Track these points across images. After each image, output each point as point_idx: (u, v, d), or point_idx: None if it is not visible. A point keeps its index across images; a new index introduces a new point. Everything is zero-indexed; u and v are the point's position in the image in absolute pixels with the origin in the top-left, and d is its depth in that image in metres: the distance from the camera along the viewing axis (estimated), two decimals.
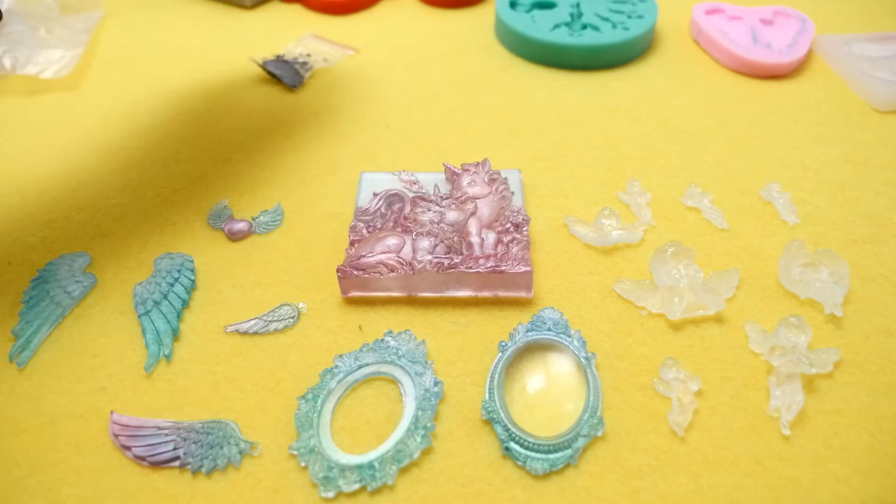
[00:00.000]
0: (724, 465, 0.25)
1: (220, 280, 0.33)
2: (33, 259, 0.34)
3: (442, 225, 0.32)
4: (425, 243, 0.31)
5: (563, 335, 0.29)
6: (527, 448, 0.26)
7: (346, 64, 0.49)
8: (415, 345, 0.29)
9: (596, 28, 0.48)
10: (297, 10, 0.56)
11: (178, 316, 0.31)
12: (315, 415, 0.27)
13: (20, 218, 0.36)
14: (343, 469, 0.25)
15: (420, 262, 0.31)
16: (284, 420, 0.27)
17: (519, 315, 0.31)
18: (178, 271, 0.33)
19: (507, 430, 0.26)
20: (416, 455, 0.25)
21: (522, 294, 0.31)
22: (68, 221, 0.36)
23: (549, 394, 0.28)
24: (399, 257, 0.31)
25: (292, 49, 0.49)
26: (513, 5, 0.51)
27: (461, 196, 0.33)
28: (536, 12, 0.50)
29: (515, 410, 0.27)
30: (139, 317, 0.31)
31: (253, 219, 0.36)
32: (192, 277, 0.32)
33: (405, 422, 0.26)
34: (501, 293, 0.31)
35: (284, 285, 0.32)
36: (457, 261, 0.31)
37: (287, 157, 0.40)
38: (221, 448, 0.26)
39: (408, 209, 0.34)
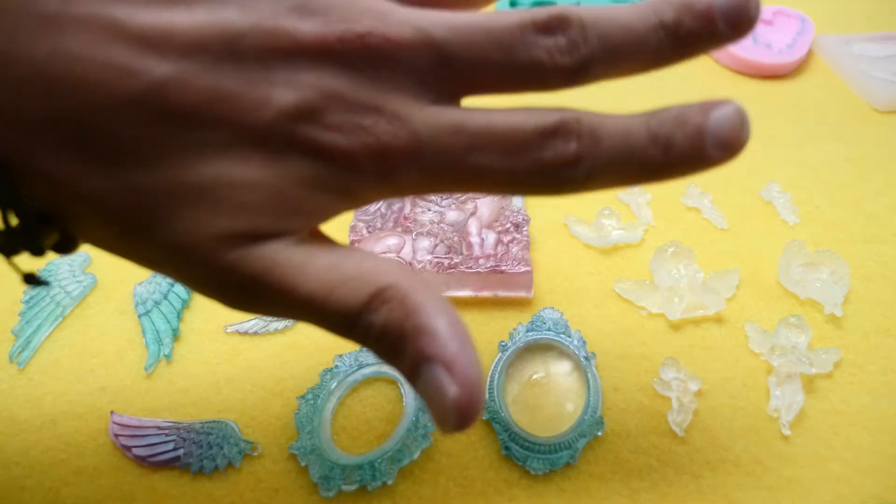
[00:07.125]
0: (724, 465, 0.25)
1: None
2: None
3: (442, 225, 0.32)
4: (425, 243, 0.31)
5: (563, 335, 0.29)
6: (527, 448, 0.26)
7: None
8: None
9: None
10: None
11: (178, 316, 0.31)
12: (315, 415, 0.27)
13: None
14: (343, 469, 0.25)
15: (420, 262, 0.31)
16: (284, 420, 0.27)
17: (519, 315, 0.31)
18: None
19: (507, 430, 0.26)
20: (416, 455, 0.25)
21: (522, 294, 0.31)
22: None
23: (549, 394, 0.28)
24: (399, 257, 0.31)
25: None
26: (513, 5, 0.51)
27: (461, 196, 0.33)
28: None
29: (515, 410, 0.27)
30: (139, 317, 0.31)
31: None
32: None
33: (405, 422, 0.26)
34: (501, 293, 0.31)
35: None
36: (457, 261, 0.31)
37: None
38: (221, 448, 0.26)
39: (408, 209, 0.34)
